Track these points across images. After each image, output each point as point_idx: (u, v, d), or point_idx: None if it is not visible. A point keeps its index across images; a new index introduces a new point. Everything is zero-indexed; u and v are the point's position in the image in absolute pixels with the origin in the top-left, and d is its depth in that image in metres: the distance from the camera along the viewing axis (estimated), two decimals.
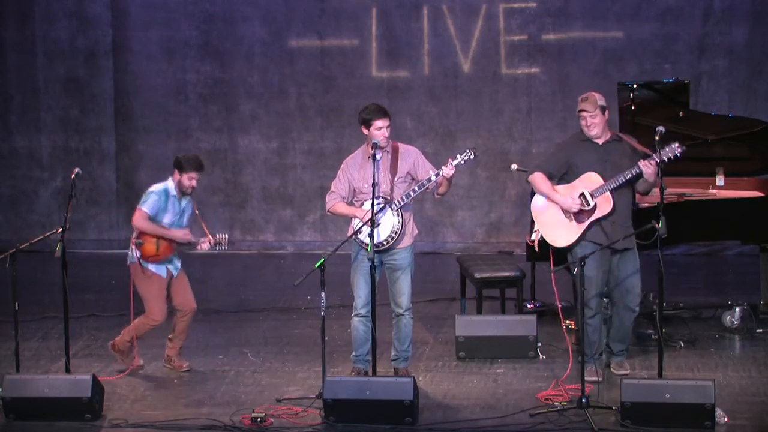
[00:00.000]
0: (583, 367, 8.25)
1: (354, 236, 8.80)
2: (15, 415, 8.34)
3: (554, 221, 8.90)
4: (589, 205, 8.75)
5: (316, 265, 8.32)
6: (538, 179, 8.91)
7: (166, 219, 9.22)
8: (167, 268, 9.30)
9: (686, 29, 13.78)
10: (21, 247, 8.72)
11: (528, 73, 14.12)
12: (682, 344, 9.88)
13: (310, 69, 14.38)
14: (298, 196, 14.59)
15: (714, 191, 10.36)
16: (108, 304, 11.24)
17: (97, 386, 8.36)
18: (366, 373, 8.91)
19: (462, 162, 8.71)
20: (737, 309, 10.35)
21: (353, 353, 9.08)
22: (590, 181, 8.75)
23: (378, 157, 8.80)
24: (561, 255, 9.01)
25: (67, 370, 8.81)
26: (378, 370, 8.66)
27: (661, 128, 8.54)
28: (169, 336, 9.51)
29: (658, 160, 8.52)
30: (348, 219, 9.02)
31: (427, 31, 14.17)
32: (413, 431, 8.11)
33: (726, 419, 8.08)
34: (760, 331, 10.28)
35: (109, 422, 8.32)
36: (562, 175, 8.90)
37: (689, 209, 9.95)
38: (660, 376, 8.44)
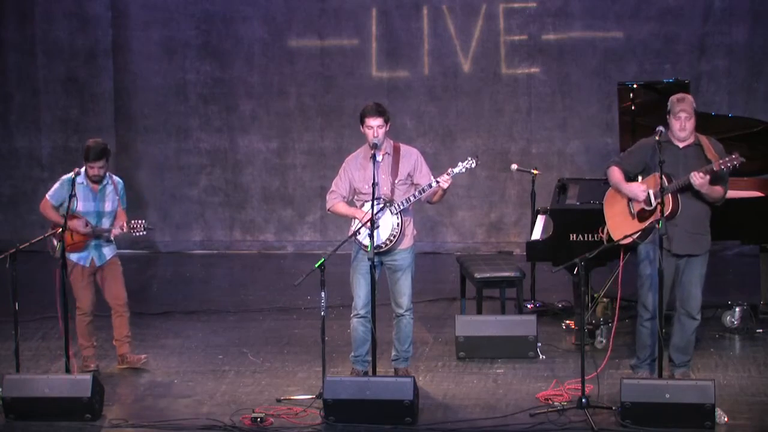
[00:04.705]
0: (583, 366, 8.24)
1: (354, 237, 8.80)
2: (15, 415, 8.34)
3: (619, 216, 8.87)
4: (650, 205, 8.70)
5: (316, 265, 8.32)
6: (613, 172, 8.86)
7: (80, 206, 9.25)
8: (91, 257, 9.33)
9: (686, 29, 13.77)
10: (21, 247, 8.71)
11: (528, 73, 14.11)
12: None
13: (310, 69, 14.37)
14: (298, 196, 14.58)
15: None
16: (108, 303, 11.21)
17: (97, 386, 8.36)
18: (365, 374, 8.91)
19: (463, 170, 8.71)
20: (737, 309, 10.36)
21: (352, 353, 9.07)
22: (655, 181, 8.65)
23: (378, 158, 8.80)
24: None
25: (67, 370, 8.80)
26: (378, 370, 8.65)
27: (661, 128, 8.54)
28: (115, 338, 9.52)
29: (716, 169, 8.46)
30: (349, 220, 9.01)
31: (427, 31, 14.16)
32: (413, 431, 8.12)
33: (726, 419, 8.09)
34: (760, 331, 10.29)
35: (109, 422, 8.32)
36: (640, 173, 8.81)
37: None
38: (660, 376, 8.43)
